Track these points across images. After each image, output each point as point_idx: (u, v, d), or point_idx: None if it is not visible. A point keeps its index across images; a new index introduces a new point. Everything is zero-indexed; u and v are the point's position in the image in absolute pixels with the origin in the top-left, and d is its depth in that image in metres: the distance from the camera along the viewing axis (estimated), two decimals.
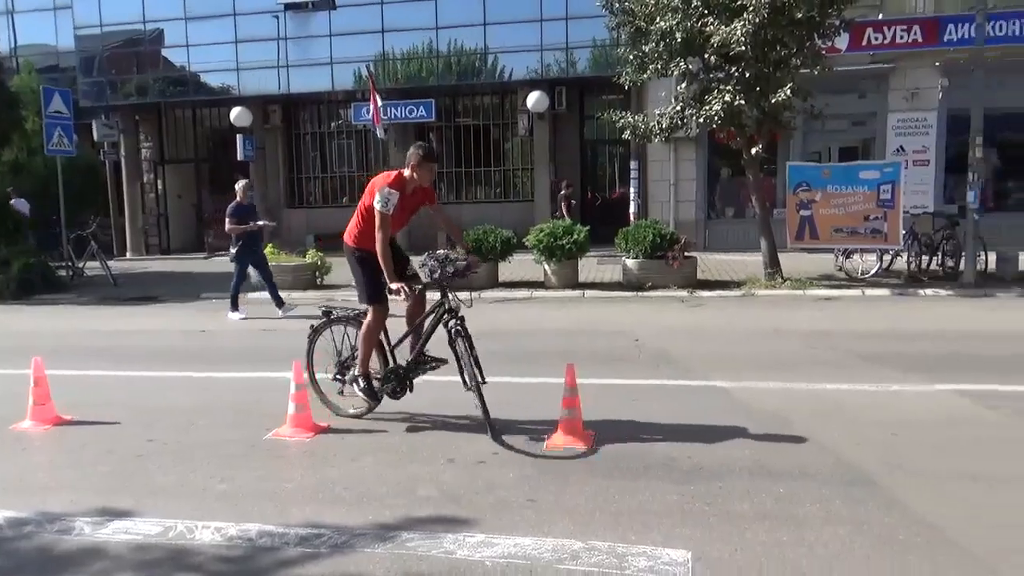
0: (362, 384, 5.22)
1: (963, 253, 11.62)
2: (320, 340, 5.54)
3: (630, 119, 12.48)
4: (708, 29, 10.90)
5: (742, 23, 10.44)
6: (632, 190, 17.39)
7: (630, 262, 12.26)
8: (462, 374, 4.92)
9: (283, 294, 10.96)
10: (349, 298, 12.11)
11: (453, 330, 4.92)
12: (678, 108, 12.01)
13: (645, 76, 12.30)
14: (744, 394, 5.94)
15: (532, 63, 18.25)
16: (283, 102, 20.48)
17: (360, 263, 5.12)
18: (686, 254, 12.17)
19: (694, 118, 11.75)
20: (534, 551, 3.40)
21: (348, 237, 5.20)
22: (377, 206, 4.84)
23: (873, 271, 12.35)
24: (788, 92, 10.79)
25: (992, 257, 12.01)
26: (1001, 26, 14.87)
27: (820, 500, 3.88)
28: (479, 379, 4.85)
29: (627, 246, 12.28)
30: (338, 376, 5.45)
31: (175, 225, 22.32)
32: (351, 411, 5.47)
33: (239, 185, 10.63)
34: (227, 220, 10.35)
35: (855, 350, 7.45)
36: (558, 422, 4.90)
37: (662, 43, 11.49)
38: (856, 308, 10.24)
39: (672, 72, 11.92)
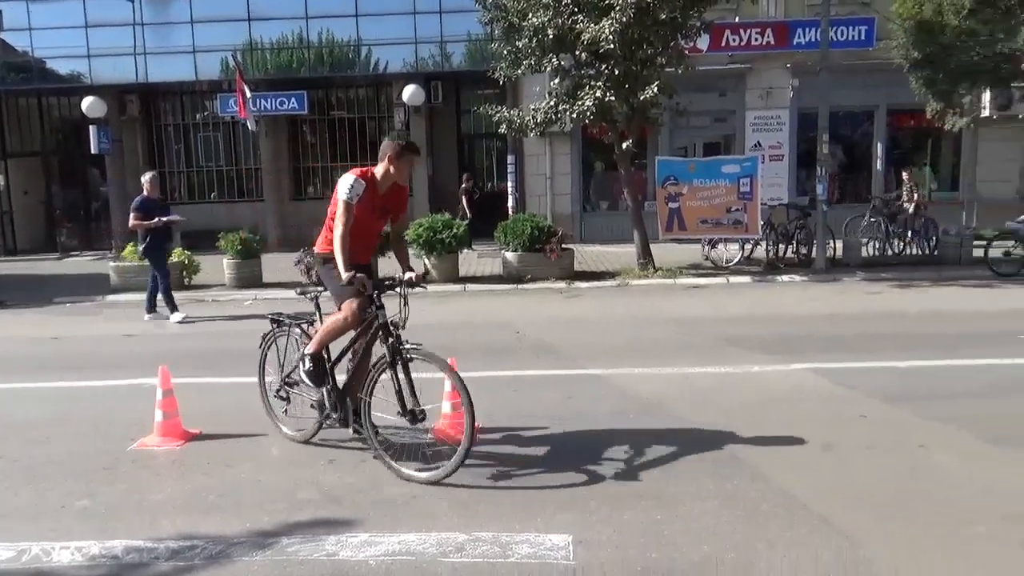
0: (307, 365, 4.52)
1: (814, 241, 12.55)
2: (271, 351, 5.00)
3: (506, 114, 12.61)
4: (578, 26, 11.18)
5: (610, 22, 10.78)
6: (510, 184, 17.59)
7: (510, 255, 12.42)
8: (403, 399, 4.25)
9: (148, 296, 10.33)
10: (219, 298, 11.66)
11: (393, 348, 4.27)
12: (552, 103, 12.25)
13: (519, 71, 12.48)
14: (621, 380, 6.16)
15: (407, 56, 18.06)
16: (141, 92, 19.23)
17: (331, 269, 4.48)
18: (563, 246, 12.46)
19: (567, 113, 12.02)
20: (419, 546, 3.40)
21: (318, 245, 4.66)
22: (342, 196, 4.31)
23: (736, 260, 13.11)
24: (655, 89, 11.25)
25: (840, 245, 13.05)
26: (843, 31, 16.11)
27: (691, 478, 4.10)
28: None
29: (506, 239, 12.44)
30: (281, 392, 4.88)
31: (22, 224, 20.50)
32: (295, 433, 4.85)
33: (146, 178, 9.85)
34: (132, 215, 9.61)
35: (721, 334, 7.89)
36: (442, 416, 4.91)
37: (535, 39, 11.68)
38: (722, 295, 10.84)
39: (545, 68, 12.14)
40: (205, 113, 20.08)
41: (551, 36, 11.43)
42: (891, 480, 4.07)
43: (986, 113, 15.03)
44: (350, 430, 4.55)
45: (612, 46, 11.00)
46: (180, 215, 10.41)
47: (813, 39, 15.35)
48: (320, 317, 4.76)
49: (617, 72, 11.51)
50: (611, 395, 5.76)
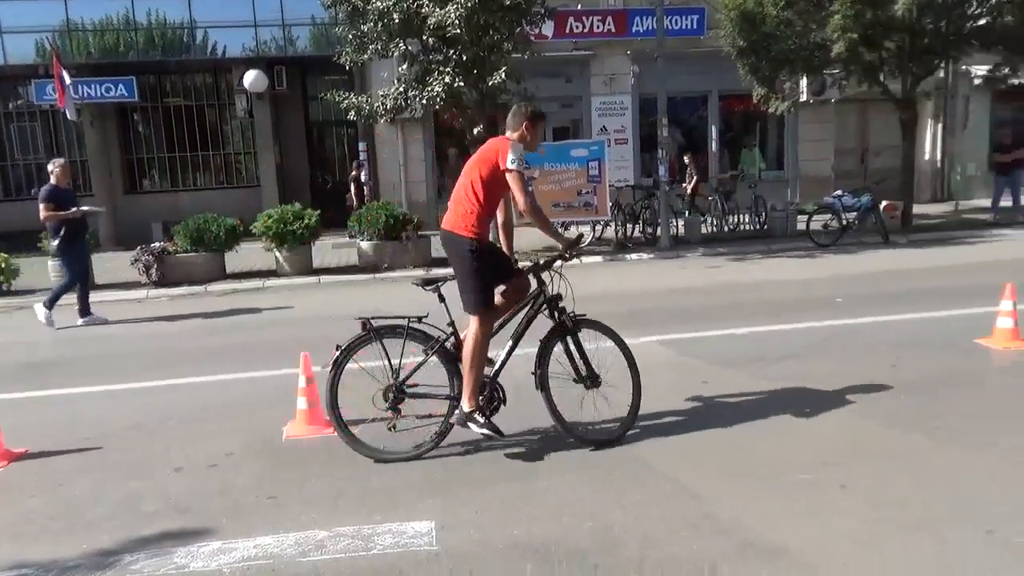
0: (481, 420, 4.09)
1: (659, 221, 13.22)
2: (345, 370, 4.20)
3: (354, 100, 12.34)
4: (424, 11, 11.10)
5: (455, 6, 10.77)
6: (363, 172, 17.24)
7: (365, 244, 12.20)
8: (577, 367, 4.28)
9: None
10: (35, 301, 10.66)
11: (563, 322, 4.26)
12: (401, 89, 12.11)
13: (366, 56, 12.23)
14: None
15: (247, 40, 17.20)
16: None
17: (475, 258, 4.06)
18: (420, 233, 12.40)
19: (417, 99, 11.93)
20: (276, 549, 3.29)
21: (457, 226, 4.12)
22: (512, 166, 3.95)
23: (588, 241, 13.47)
24: (503, 75, 11.39)
25: (682, 223, 13.82)
26: (677, 20, 16.99)
27: (551, 453, 4.22)
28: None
29: (361, 228, 12.20)
30: (394, 402, 4.19)
31: None
32: (405, 450, 4.20)
33: (55, 165, 8.77)
34: (42, 206, 8.55)
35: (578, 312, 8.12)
36: (296, 412, 4.77)
37: (380, 23, 11.48)
38: (575, 274, 11.03)
39: (393, 53, 11.97)
40: (19, 101, 18.23)
41: (397, 20, 11.27)
42: (731, 438, 4.37)
43: (804, 98, 16.41)
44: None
45: (459, 31, 11.01)
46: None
47: (650, 27, 16.06)
48: (447, 311, 4.23)
49: (465, 58, 11.55)
50: None
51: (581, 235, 4.99)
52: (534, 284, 4.41)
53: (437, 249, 13.28)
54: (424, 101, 11.87)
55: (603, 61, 17.56)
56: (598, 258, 12.41)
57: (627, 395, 4.40)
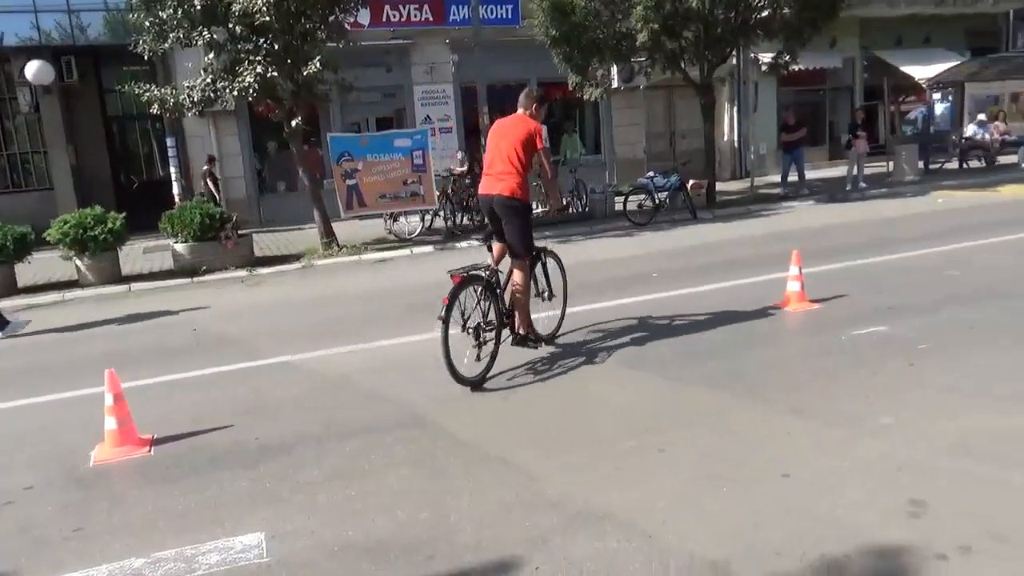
0: (534, 341, 5.52)
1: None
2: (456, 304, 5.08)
3: (157, 92, 11.47)
4: None
5: None
6: (173, 169, 16.09)
7: (180, 247, 11.44)
8: (544, 285, 5.85)
9: None
10: None
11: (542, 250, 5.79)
12: (209, 80, 11.41)
13: (166, 45, 11.40)
14: (311, 364, 6.05)
15: (24, 28, 15.44)
16: None
17: (521, 215, 5.27)
18: (240, 232, 11.80)
19: (228, 91, 11.29)
20: None
21: (514, 191, 5.20)
22: (546, 143, 5.40)
23: (418, 231, 13.51)
24: (318, 64, 11.04)
25: None
26: (492, 10, 17.25)
27: (383, 448, 4.19)
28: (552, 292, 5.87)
29: (174, 230, 11.41)
30: (483, 338, 5.17)
31: None
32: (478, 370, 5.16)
33: None
34: None
35: (407, 304, 8.12)
36: (105, 434, 4.40)
37: (180, 10, 10.73)
38: (406, 266, 11.13)
39: (197, 42, 11.23)
40: None
41: (198, 7, 10.59)
42: (559, 415, 4.55)
43: (616, 85, 17.22)
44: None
45: (268, 19, 10.53)
46: None
47: (467, 16, 16.17)
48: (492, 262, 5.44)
49: (277, 46, 11.08)
50: (302, 380, 5.63)
51: (568, 203, 6.43)
52: None
53: (262, 247, 12.77)
54: (235, 93, 11.26)
55: (423, 50, 17.49)
56: (428, 248, 12.41)
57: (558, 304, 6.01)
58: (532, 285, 5.58)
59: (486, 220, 5.65)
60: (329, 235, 12.40)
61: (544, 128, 5.50)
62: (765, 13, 14.07)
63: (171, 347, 7.00)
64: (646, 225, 13.02)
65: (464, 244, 12.58)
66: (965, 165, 18.49)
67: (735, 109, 20.83)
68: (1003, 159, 18.37)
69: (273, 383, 5.61)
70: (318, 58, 11.10)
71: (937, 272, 7.66)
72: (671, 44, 14.00)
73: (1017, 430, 3.83)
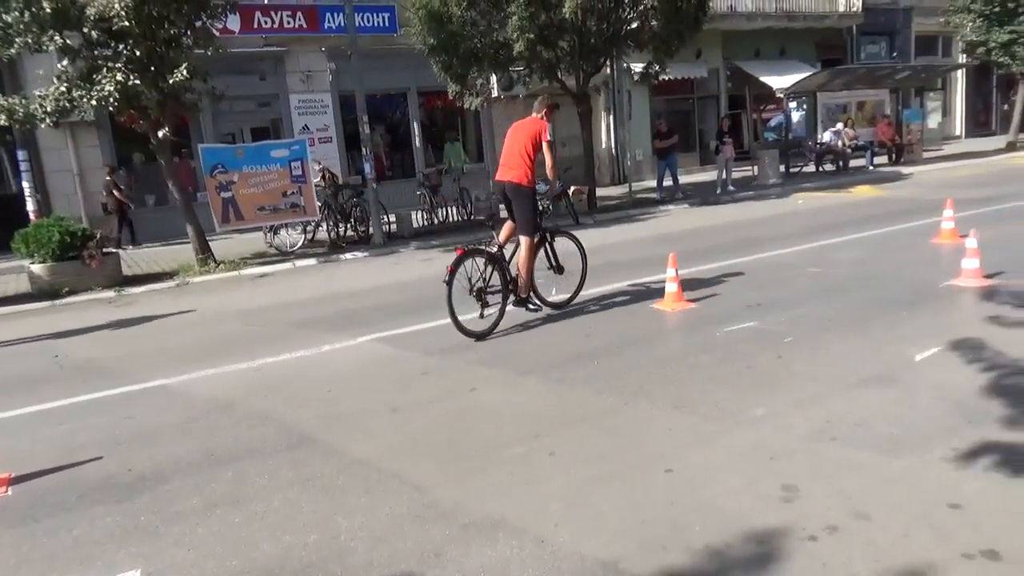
0: (534, 302, 6.66)
1: (370, 218, 13.23)
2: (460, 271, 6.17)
3: (3, 102, 10.60)
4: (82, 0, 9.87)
5: None
6: (26, 185, 14.93)
7: (37, 268, 10.61)
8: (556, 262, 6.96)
9: None
10: None
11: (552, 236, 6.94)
12: (63, 89, 10.64)
13: (13, 51, 10.53)
14: (188, 387, 5.75)
15: None
16: None
17: (529, 199, 6.44)
18: (106, 250, 11.09)
19: (85, 100, 10.59)
20: None
21: (522, 179, 6.40)
22: (550, 137, 6.39)
23: (300, 243, 13.15)
24: (184, 72, 10.55)
25: (393, 218, 13.99)
26: (368, 17, 17.08)
27: (268, 471, 4.04)
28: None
29: (30, 250, 10.59)
30: (485, 300, 6.35)
31: None
32: (483, 327, 6.32)
33: None
34: None
35: (291, 320, 7.88)
36: None
37: (27, 12, 9.96)
38: (289, 280, 10.80)
39: (48, 47, 10.46)
40: None
41: (48, 10, 9.87)
42: (450, 425, 4.54)
43: (496, 93, 17.43)
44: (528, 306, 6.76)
45: (127, 23, 9.96)
46: None
47: (342, 23, 15.95)
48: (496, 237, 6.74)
49: (139, 53, 10.50)
50: (179, 405, 5.34)
51: (565, 191, 7.42)
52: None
53: (132, 265, 12.14)
54: (94, 102, 10.57)
55: (298, 58, 17.07)
56: (312, 261, 12.09)
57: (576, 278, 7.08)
58: (545, 260, 6.82)
59: (499, 204, 7.26)
60: (204, 250, 11.86)
61: (549, 126, 6.49)
62: (635, 25, 14.64)
63: (31, 376, 6.48)
64: None
65: (349, 256, 12.34)
66: (821, 168, 19.90)
67: (611, 117, 21.53)
68: (855, 162, 19.91)
69: (147, 410, 5.30)
70: (184, 65, 10.60)
71: (800, 269, 8.19)
72: (547, 54, 14.31)
73: (871, 411, 4.15)
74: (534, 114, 6.65)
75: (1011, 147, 22.62)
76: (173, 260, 12.38)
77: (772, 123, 23.27)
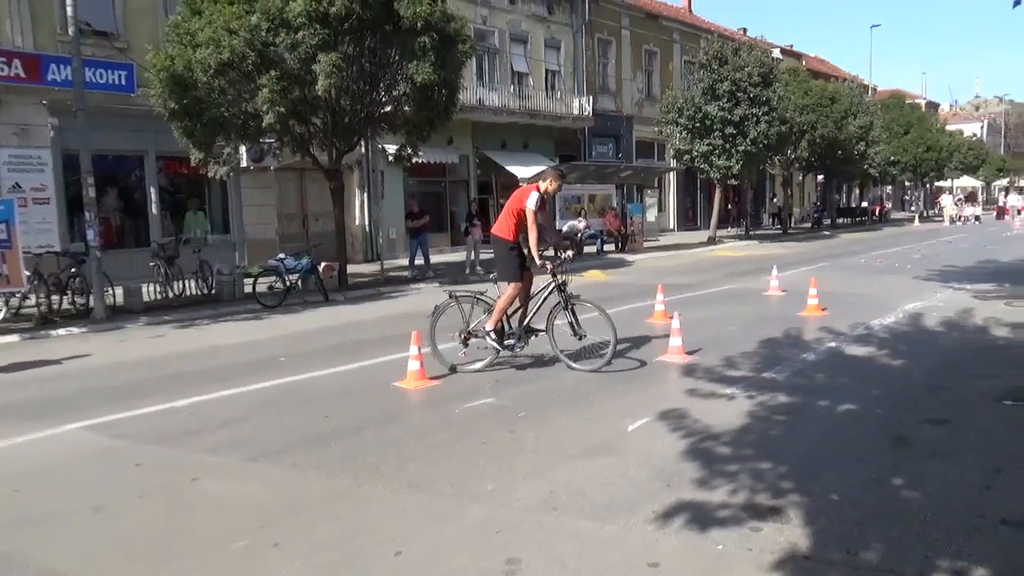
0: (493, 336, 7.13)
1: (92, 290, 11.91)
2: (441, 318, 7.36)
3: None
4: None
5: None
6: None
7: None
8: (574, 327, 7.28)
9: None
10: None
11: (566, 295, 7.28)
12: None
13: None
14: None
15: None
16: None
17: (511, 251, 7.21)
18: None
19: None
20: None
21: (504, 234, 7.20)
22: (531, 206, 7.05)
23: (1, 317, 11.42)
24: None
25: (120, 291, 12.71)
26: (102, 74, 15.78)
27: None
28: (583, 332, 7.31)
29: None
30: (465, 339, 7.37)
31: None
32: (469, 367, 7.33)
33: None
34: None
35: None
36: None
37: None
38: None
39: None
40: None
41: None
42: (165, 523, 4.13)
43: (244, 163, 16.85)
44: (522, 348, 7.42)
45: None
46: None
47: (69, 77, 14.55)
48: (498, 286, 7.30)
49: None
50: None
51: (573, 250, 8.31)
52: (548, 278, 7.31)
53: None
54: None
55: (12, 109, 15.19)
56: (14, 337, 10.54)
57: (606, 342, 7.26)
58: (569, 327, 7.25)
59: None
60: None
61: (535, 195, 7.08)
62: (388, 108, 15.09)
63: None
64: (277, 307, 12.74)
65: (63, 331, 10.95)
66: (559, 253, 21.58)
67: (365, 195, 21.74)
68: (587, 249, 21.90)
69: None
70: None
71: (537, 347, 8.73)
72: (300, 128, 14.20)
73: (589, 480, 4.47)
74: (539, 183, 7.32)
75: (712, 240, 26.39)
76: None
77: None
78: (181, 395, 6.82)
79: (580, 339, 7.32)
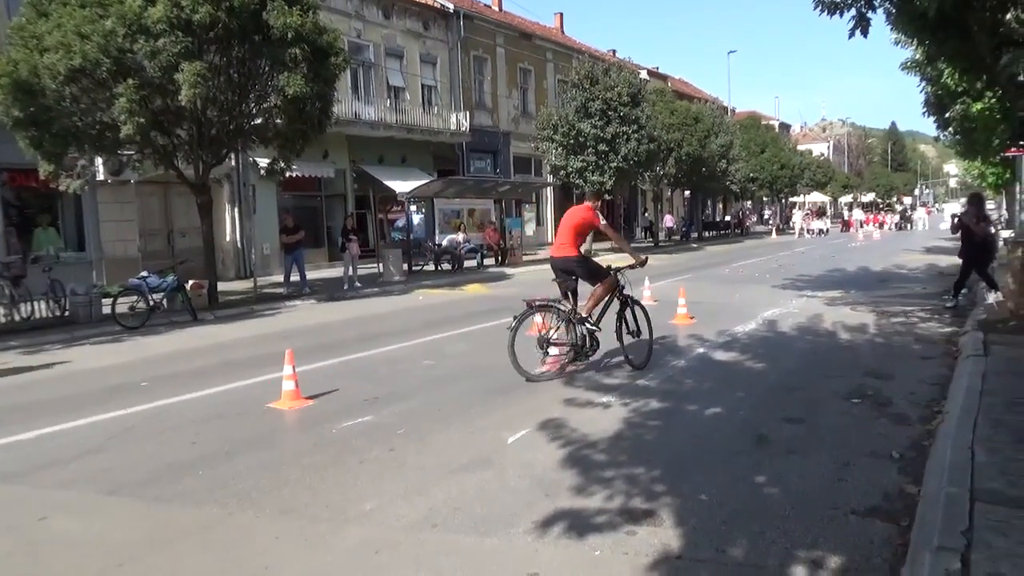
0: (590, 325, 7.58)
1: None
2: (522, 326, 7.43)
3: None
4: None
5: None
6: None
7: None
8: (635, 327, 7.92)
9: None
10: None
11: (628, 299, 7.93)
12: None
13: None
14: None
15: None
16: None
17: (586, 262, 7.95)
18: None
19: None
20: None
21: (572, 251, 7.75)
22: (603, 221, 7.98)
23: None
24: None
25: None
26: None
27: None
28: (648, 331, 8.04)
29: None
30: (545, 350, 7.62)
31: None
32: (538, 373, 7.56)
33: None
34: None
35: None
36: None
37: None
38: None
39: None
40: None
41: None
42: (8, 566, 3.77)
43: (101, 177, 15.79)
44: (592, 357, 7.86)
45: None
46: None
47: None
48: (573, 300, 7.77)
49: None
50: None
51: (646, 258, 8.24)
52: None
53: None
54: None
55: None
56: None
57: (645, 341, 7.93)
58: (623, 324, 7.80)
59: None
60: None
61: (598, 214, 7.89)
62: (259, 120, 14.58)
63: None
64: (139, 329, 11.97)
65: None
66: (439, 267, 21.60)
67: (236, 209, 20.90)
68: (468, 263, 21.99)
69: None
70: None
71: (416, 362, 8.66)
72: (163, 140, 13.47)
73: (469, 495, 4.47)
74: (586, 200, 8.04)
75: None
76: None
77: (399, 224, 24.75)
78: (27, 427, 6.27)
79: (635, 337, 7.93)
